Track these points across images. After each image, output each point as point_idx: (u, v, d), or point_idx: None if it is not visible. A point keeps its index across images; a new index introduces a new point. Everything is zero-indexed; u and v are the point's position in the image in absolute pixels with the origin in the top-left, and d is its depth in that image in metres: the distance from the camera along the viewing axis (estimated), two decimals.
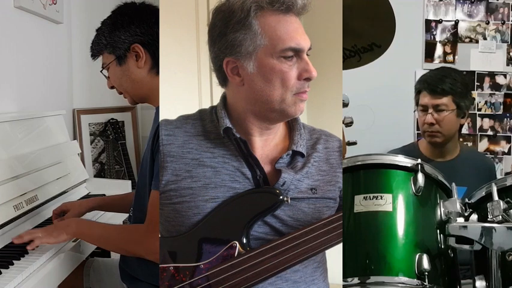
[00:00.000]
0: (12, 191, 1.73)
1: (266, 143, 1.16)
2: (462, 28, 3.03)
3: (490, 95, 3.03)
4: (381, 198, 1.47)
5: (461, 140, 2.82)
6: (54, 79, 2.71)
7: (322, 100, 2.41)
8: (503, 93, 3.03)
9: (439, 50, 3.03)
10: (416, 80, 2.29)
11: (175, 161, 1.12)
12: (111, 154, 3.23)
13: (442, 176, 1.56)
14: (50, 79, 2.64)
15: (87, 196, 2.29)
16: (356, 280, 1.40)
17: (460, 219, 1.44)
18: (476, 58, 3.02)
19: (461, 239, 1.43)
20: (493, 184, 1.45)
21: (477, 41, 3.02)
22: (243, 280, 1.07)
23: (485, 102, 3.04)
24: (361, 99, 2.41)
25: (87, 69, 2.88)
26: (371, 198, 1.48)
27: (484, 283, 1.43)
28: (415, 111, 2.27)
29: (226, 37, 1.10)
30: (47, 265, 1.50)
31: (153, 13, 1.56)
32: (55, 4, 2.58)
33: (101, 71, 1.61)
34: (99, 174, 3.17)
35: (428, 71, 2.29)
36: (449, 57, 3.03)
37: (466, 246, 1.43)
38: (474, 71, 3.03)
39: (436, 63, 2.95)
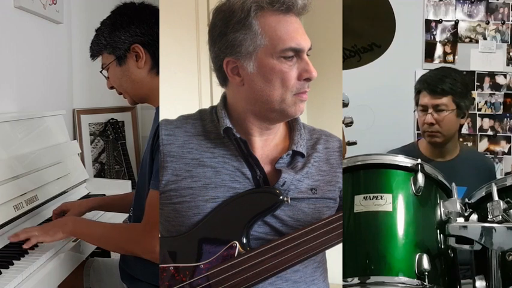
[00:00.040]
0: (12, 191, 1.73)
1: (266, 143, 1.16)
2: (462, 28, 3.03)
3: (490, 95, 3.03)
4: (381, 198, 1.47)
5: (461, 140, 2.82)
6: (54, 79, 2.70)
7: (322, 100, 2.41)
8: (503, 93, 3.03)
9: (439, 50, 3.03)
10: (416, 80, 2.28)
11: (176, 161, 1.12)
12: (111, 154, 3.23)
13: (442, 176, 1.57)
14: (50, 79, 2.64)
15: (87, 196, 2.29)
16: (356, 280, 1.40)
17: (460, 219, 1.44)
18: (476, 58, 3.02)
19: (461, 239, 1.43)
20: (493, 184, 1.45)
21: (477, 41, 3.02)
22: (243, 280, 1.07)
23: (485, 102, 3.04)
24: (361, 99, 2.41)
25: (87, 69, 2.87)
26: (371, 198, 1.48)
27: (484, 283, 1.43)
28: (415, 111, 2.27)
29: (226, 37, 1.10)
30: (47, 265, 1.49)
31: (153, 13, 1.55)
32: (55, 4, 2.58)
33: (100, 72, 1.61)
34: (99, 174, 3.17)
35: (428, 71, 2.29)
36: (449, 57, 3.03)
37: (466, 246, 1.43)
38: (474, 71, 3.03)
39: (436, 63, 2.95)
